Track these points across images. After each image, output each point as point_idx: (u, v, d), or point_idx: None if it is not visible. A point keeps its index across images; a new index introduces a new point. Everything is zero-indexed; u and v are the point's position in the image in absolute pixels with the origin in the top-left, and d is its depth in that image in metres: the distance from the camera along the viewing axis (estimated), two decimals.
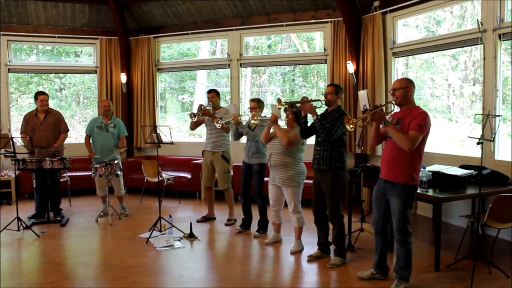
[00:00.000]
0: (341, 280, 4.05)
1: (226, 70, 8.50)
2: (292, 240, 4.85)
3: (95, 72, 8.69)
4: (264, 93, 11.53)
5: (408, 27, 7.35)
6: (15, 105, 10.43)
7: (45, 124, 6.15)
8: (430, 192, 4.26)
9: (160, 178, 6.90)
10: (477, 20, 5.31)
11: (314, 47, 10.61)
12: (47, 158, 5.70)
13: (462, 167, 4.87)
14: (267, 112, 6.23)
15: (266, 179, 5.23)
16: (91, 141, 6.38)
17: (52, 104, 10.20)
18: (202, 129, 6.82)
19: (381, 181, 3.75)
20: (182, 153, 8.46)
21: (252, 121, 4.96)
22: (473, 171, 4.66)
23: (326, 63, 7.45)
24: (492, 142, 4.97)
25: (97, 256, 4.77)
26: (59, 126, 6.27)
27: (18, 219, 5.45)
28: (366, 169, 4.92)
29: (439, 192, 4.27)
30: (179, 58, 10.94)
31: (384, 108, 3.92)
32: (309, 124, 4.37)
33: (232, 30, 7.99)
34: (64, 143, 6.44)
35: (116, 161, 5.96)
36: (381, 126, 3.65)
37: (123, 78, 8.54)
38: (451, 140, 7.74)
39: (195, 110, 5.78)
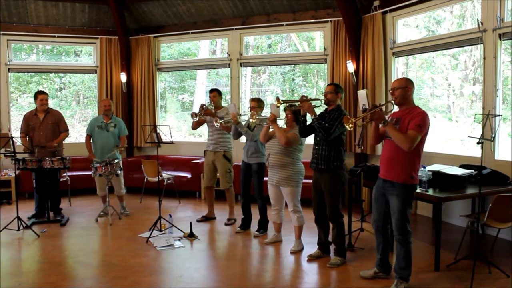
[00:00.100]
0: (341, 280, 4.05)
1: (226, 70, 8.50)
2: (292, 239, 4.86)
3: (95, 71, 8.69)
4: (264, 93, 11.53)
5: (408, 27, 7.34)
6: (15, 104, 10.43)
7: (45, 123, 6.14)
8: (430, 192, 4.26)
9: (160, 177, 6.90)
10: (477, 19, 5.31)
11: (314, 46, 10.61)
12: (47, 158, 5.70)
13: (462, 166, 4.87)
14: (267, 112, 6.23)
15: (265, 178, 5.23)
16: (91, 141, 6.37)
17: (52, 103, 10.19)
18: (202, 128, 6.83)
19: (380, 181, 3.75)
20: (182, 153, 8.46)
21: (251, 120, 4.96)
22: (473, 170, 4.66)
23: (326, 62, 7.45)
24: (492, 142, 4.97)
25: (97, 255, 4.77)
26: (59, 126, 6.27)
27: (18, 218, 5.45)
28: (366, 169, 4.92)
29: (439, 191, 4.27)
30: (179, 57, 10.93)
31: (384, 107, 3.93)
32: (308, 123, 4.37)
33: (232, 29, 7.98)
34: (64, 142, 6.43)
35: (116, 161, 5.96)
36: (380, 125, 3.65)
37: (123, 77, 8.54)
38: (451, 139, 7.74)
39: (195, 110, 5.78)
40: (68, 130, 6.40)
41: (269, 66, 10.66)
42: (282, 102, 4.48)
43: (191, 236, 5.24)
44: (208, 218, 6.11)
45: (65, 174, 7.20)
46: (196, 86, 11.74)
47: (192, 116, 5.73)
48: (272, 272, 4.26)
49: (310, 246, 4.77)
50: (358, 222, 5.19)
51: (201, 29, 8.22)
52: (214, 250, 5.03)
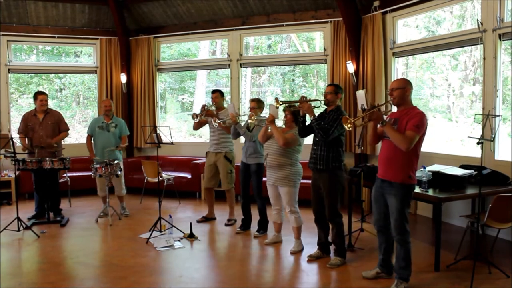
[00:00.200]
0: (341, 280, 4.05)
1: (226, 70, 8.50)
2: (292, 240, 4.85)
3: (95, 72, 8.69)
4: (264, 93, 11.53)
5: (408, 27, 7.35)
6: (15, 105, 10.43)
7: (44, 124, 6.14)
8: (430, 192, 4.26)
9: (160, 178, 6.90)
10: (477, 20, 5.31)
11: (314, 47, 10.62)
12: (47, 158, 5.70)
13: (462, 167, 4.87)
14: (267, 112, 6.24)
15: (264, 179, 5.23)
16: (92, 141, 6.37)
17: (52, 104, 10.22)
18: (203, 129, 6.83)
19: (378, 181, 3.77)
20: (182, 153, 8.46)
21: (249, 121, 4.97)
22: (473, 171, 4.66)
23: (326, 63, 7.45)
24: (492, 142, 4.97)
25: (97, 256, 4.77)
26: (59, 126, 6.26)
27: (18, 219, 5.45)
28: (366, 169, 4.92)
29: (439, 192, 4.27)
30: (179, 58, 10.94)
31: (384, 107, 3.93)
32: (307, 123, 4.37)
33: (232, 30, 7.99)
34: (64, 143, 6.43)
35: (116, 161, 5.96)
36: (378, 125, 3.66)
37: (123, 78, 8.54)
38: (451, 140, 7.74)
39: (195, 111, 5.78)
40: (68, 129, 6.40)
41: (269, 67, 10.67)
42: (281, 103, 4.48)
43: (191, 236, 5.24)
44: (208, 219, 6.11)
45: (65, 174, 7.20)
46: (196, 86, 11.75)
47: (193, 117, 5.73)
48: (272, 273, 4.26)
49: (310, 246, 4.77)
50: (358, 223, 5.19)
51: (201, 29, 8.22)
52: (214, 250, 5.03)
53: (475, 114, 6.05)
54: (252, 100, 5.33)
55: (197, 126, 5.98)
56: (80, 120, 11.55)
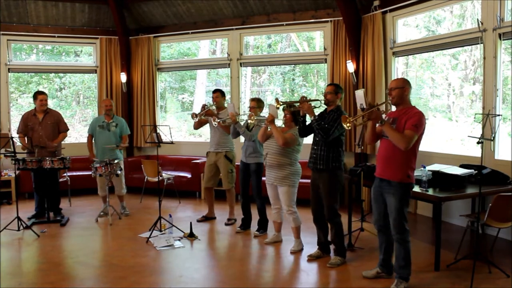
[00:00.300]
0: (341, 280, 4.05)
1: (226, 70, 8.50)
2: (292, 239, 4.85)
3: (95, 71, 8.69)
4: (264, 93, 11.53)
5: (408, 27, 7.34)
6: (15, 104, 10.43)
7: (44, 124, 6.13)
8: (430, 192, 4.26)
9: (160, 177, 6.90)
10: (477, 19, 5.31)
11: (314, 46, 10.61)
12: (47, 158, 5.69)
13: (462, 166, 4.87)
14: (266, 112, 6.23)
15: (264, 178, 5.23)
16: (93, 141, 6.37)
17: (52, 103, 10.23)
18: (203, 129, 6.83)
19: (377, 180, 3.78)
20: (182, 153, 8.46)
21: (249, 121, 4.97)
22: (473, 170, 4.66)
23: (326, 62, 7.45)
24: (492, 142, 4.97)
25: (97, 256, 4.77)
26: (58, 126, 6.26)
27: (18, 219, 5.45)
28: (366, 169, 4.91)
29: (439, 191, 4.27)
30: (179, 57, 10.93)
31: (384, 106, 3.93)
32: (307, 123, 4.37)
33: (232, 29, 7.99)
34: (63, 142, 6.43)
35: (116, 161, 5.96)
36: (377, 125, 3.66)
37: (123, 77, 8.54)
38: (451, 139, 7.73)
39: (195, 110, 5.77)
40: (68, 130, 6.40)
41: (269, 66, 10.66)
42: (281, 103, 4.48)
43: (191, 236, 5.24)
44: (208, 218, 6.11)
45: (65, 174, 7.20)
46: (196, 86, 11.74)
47: (192, 117, 5.73)
48: (272, 272, 4.26)
49: (310, 246, 4.77)
50: (358, 222, 5.20)
51: (201, 29, 8.22)
52: (214, 250, 5.03)
53: (475, 114, 6.05)
54: (252, 100, 5.33)
55: (197, 126, 5.98)
56: (80, 120, 11.55)
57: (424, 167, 4.40)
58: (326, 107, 4.42)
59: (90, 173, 6.09)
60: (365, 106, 4.28)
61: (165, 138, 5.55)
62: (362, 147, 5.86)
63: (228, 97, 8.01)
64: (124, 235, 5.43)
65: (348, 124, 3.54)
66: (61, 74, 10.91)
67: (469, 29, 5.64)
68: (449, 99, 8.51)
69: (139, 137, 8.57)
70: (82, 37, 8.53)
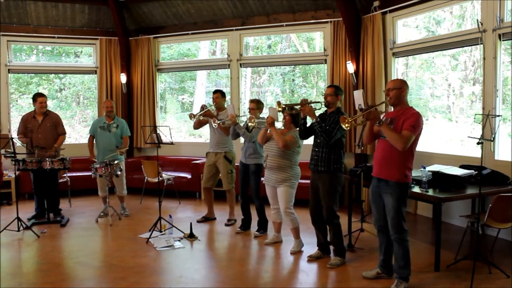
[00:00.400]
0: (341, 280, 4.05)
1: (226, 70, 8.50)
2: (292, 240, 4.85)
3: (95, 72, 8.69)
4: (264, 93, 11.54)
5: (408, 27, 7.35)
6: (15, 105, 10.43)
7: (43, 126, 6.13)
8: (430, 192, 4.26)
9: (160, 178, 6.90)
10: (477, 20, 5.31)
11: (314, 47, 10.62)
12: (47, 158, 5.69)
13: (462, 167, 4.87)
14: (266, 113, 6.23)
15: (263, 179, 5.24)
16: (94, 142, 6.38)
17: (52, 104, 10.24)
18: (203, 129, 6.83)
19: (375, 180, 3.79)
20: (182, 153, 8.46)
21: (250, 124, 4.96)
22: (473, 171, 4.66)
23: (326, 63, 7.45)
24: (492, 142, 4.97)
25: (97, 256, 4.77)
26: (57, 129, 6.26)
27: (18, 219, 5.44)
28: (366, 169, 4.91)
29: (439, 192, 4.27)
30: (179, 58, 10.94)
31: (384, 106, 3.94)
32: (307, 125, 4.37)
33: (232, 30, 7.99)
34: (63, 143, 6.42)
35: (116, 162, 5.96)
36: (375, 125, 3.68)
37: (123, 78, 8.54)
38: (451, 140, 7.74)
39: (195, 111, 5.77)
40: (65, 133, 6.39)
41: (269, 67, 10.67)
42: (283, 106, 4.47)
43: (191, 236, 5.24)
44: (208, 219, 6.11)
45: (65, 175, 7.20)
46: (196, 86, 11.75)
47: (190, 117, 5.74)
48: (272, 273, 4.26)
49: (310, 246, 4.77)
50: (358, 223, 5.20)
51: (201, 29, 8.22)
52: (214, 250, 5.03)
53: (475, 114, 6.05)
54: (252, 101, 5.33)
55: (197, 125, 5.99)
56: (80, 120, 11.55)
57: (424, 168, 4.40)
58: (326, 109, 4.42)
59: (90, 173, 6.09)
60: (363, 107, 4.30)
61: (165, 138, 5.55)
62: (362, 148, 5.86)
63: (228, 98, 8.00)
64: (124, 236, 5.43)
65: (346, 125, 3.57)
66: (61, 75, 10.91)
67: (469, 30, 5.64)
68: (449, 99, 8.51)
69: (139, 137, 8.58)
70: (82, 38, 8.54)
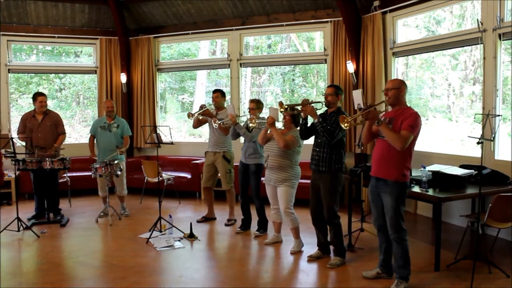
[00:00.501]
0: (341, 280, 4.05)
1: (226, 70, 8.50)
2: (292, 240, 4.85)
3: (95, 72, 8.69)
4: (264, 93, 11.53)
5: (408, 27, 7.34)
6: (15, 105, 10.43)
7: (43, 125, 6.13)
8: (430, 192, 4.26)
9: (160, 178, 6.90)
10: (477, 19, 5.31)
11: (314, 47, 10.61)
12: (47, 158, 5.69)
13: (462, 166, 4.87)
14: (266, 113, 6.23)
15: (263, 179, 5.23)
16: (95, 141, 6.38)
17: (52, 104, 10.23)
18: (202, 129, 6.83)
19: (373, 180, 3.80)
20: (182, 153, 8.46)
21: (250, 125, 4.96)
22: (473, 170, 4.66)
23: (326, 63, 7.45)
24: (492, 142, 4.97)
25: (97, 256, 4.77)
26: (57, 128, 6.26)
27: (18, 219, 5.44)
28: (366, 169, 4.90)
29: (439, 192, 4.27)
30: (179, 58, 10.94)
31: (384, 106, 3.94)
32: (308, 125, 4.37)
33: (232, 30, 7.99)
34: (63, 143, 6.42)
35: (116, 162, 5.96)
36: (374, 125, 3.68)
37: (123, 78, 8.54)
38: (451, 140, 7.74)
39: (194, 110, 5.77)
40: (65, 133, 6.39)
41: (269, 67, 10.67)
42: (286, 107, 4.47)
43: (191, 236, 5.24)
44: (208, 219, 6.11)
45: (65, 174, 7.20)
46: (196, 86, 11.75)
47: (188, 116, 5.76)
48: (272, 273, 4.26)
49: (310, 246, 4.76)
50: (358, 222, 5.20)
51: (201, 29, 8.22)
52: (214, 250, 5.03)
53: (475, 114, 6.04)
54: (252, 101, 5.33)
55: (196, 124, 5.98)
56: (80, 120, 11.55)
57: (424, 168, 4.40)
58: (326, 108, 4.42)
59: (90, 173, 6.09)
60: (362, 106, 4.30)
61: (165, 138, 5.55)
62: (362, 148, 5.86)
63: (228, 97, 8.01)
64: (124, 236, 5.43)
65: (346, 124, 3.58)
66: (61, 75, 10.91)
67: (469, 29, 5.64)
68: (449, 99, 8.51)
69: (139, 137, 8.58)
70: (82, 38, 8.54)
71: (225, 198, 5.96)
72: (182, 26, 8.39)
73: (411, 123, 3.50)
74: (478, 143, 3.70)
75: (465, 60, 8.24)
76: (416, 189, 4.35)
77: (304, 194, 5.31)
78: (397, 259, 3.71)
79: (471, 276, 3.67)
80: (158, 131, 5.53)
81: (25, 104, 10.60)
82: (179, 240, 5.14)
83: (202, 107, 5.69)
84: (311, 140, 4.54)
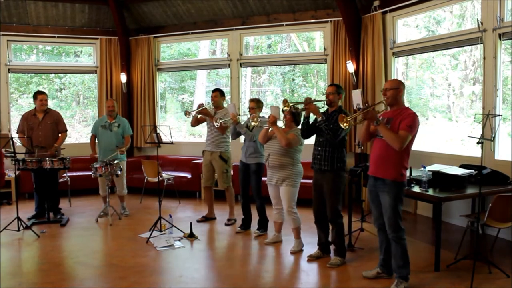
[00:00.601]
0: (341, 280, 4.05)
1: (226, 70, 8.50)
2: (292, 239, 4.85)
3: (95, 72, 8.69)
4: (264, 93, 11.53)
5: (408, 27, 7.34)
6: (15, 105, 10.43)
7: (44, 124, 6.14)
8: (430, 192, 4.26)
9: (160, 178, 6.90)
10: (477, 19, 5.31)
11: (314, 46, 10.61)
12: (47, 158, 5.70)
13: (462, 166, 4.87)
14: (266, 112, 6.23)
15: (264, 178, 5.24)
16: (96, 141, 6.39)
17: (52, 104, 10.22)
18: (202, 129, 6.83)
19: (371, 180, 3.81)
20: (182, 153, 8.46)
21: (253, 123, 4.96)
22: (473, 170, 4.66)
23: (326, 62, 7.45)
24: (492, 142, 4.97)
25: (97, 256, 4.77)
26: (58, 126, 6.27)
27: (18, 219, 5.44)
28: (366, 169, 4.89)
29: (439, 191, 4.27)
30: (179, 58, 10.93)
31: (384, 106, 3.94)
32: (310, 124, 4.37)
33: (232, 30, 7.99)
34: (63, 142, 6.43)
35: (116, 161, 5.96)
36: (373, 125, 3.69)
37: (123, 78, 8.54)
38: (451, 139, 7.73)
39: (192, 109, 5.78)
40: (67, 130, 6.40)
41: (269, 66, 10.66)
42: (290, 104, 4.46)
43: (191, 236, 5.24)
44: (208, 218, 6.10)
45: (65, 174, 7.20)
46: (196, 86, 11.75)
47: (185, 114, 5.78)
48: (272, 272, 4.26)
49: (310, 246, 4.76)
50: (358, 222, 5.20)
51: (201, 29, 8.22)
52: (214, 250, 5.03)
53: (475, 114, 6.05)
54: (252, 100, 5.33)
55: (194, 123, 5.99)
56: (80, 120, 11.55)
57: (424, 168, 4.40)
58: (327, 107, 4.42)
59: (90, 173, 6.09)
60: (361, 106, 4.31)
61: (165, 138, 5.55)
62: (362, 147, 5.86)
63: (228, 97, 8.01)
64: (124, 235, 5.43)
65: (345, 124, 3.58)
66: (61, 75, 10.91)
67: (469, 29, 5.64)
68: (449, 99, 8.51)
69: (139, 137, 8.58)
70: (82, 38, 8.54)
71: (225, 197, 5.96)
72: (182, 26, 8.39)
73: (409, 123, 3.52)
74: (478, 143, 3.71)
75: (465, 60, 8.24)
76: (416, 189, 4.36)
77: (305, 194, 5.31)
78: (396, 259, 3.72)
79: (471, 276, 3.67)
80: (158, 131, 5.53)
81: (25, 104, 10.60)
82: (179, 240, 5.14)
83: (200, 106, 5.70)
84: (311, 140, 4.53)
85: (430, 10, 6.42)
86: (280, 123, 4.71)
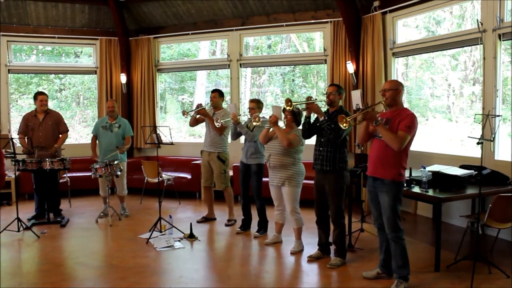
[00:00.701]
0: (341, 280, 4.05)
1: (226, 71, 8.50)
2: (292, 240, 4.85)
3: (95, 72, 8.69)
4: (264, 94, 11.53)
5: (408, 27, 7.35)
6: (15, 105, 10.43)
7: (44, 124, 6.14)
8: (430, 192, 4.26)
9: (160, 178, 6.90)
10: (477, 20, 5.31)
11: (314, 47, 10.61)
12: (47, 159, 5.70)
13: (462, 167, 4.87)
14: (266, 113, 6.23)
15: (264, 179, 5.24)
16: (97, 142, 6.39)
17: (52, 104, 10.21)
18: (202, 129, 6.83)
19: (370, 180, 3.82)
20: (182, 154, 8.46)
21: (254, 123, 4.95)
22: (473, 171, 4.66)
23: (326, 63, 7.45)
24: (492, 142, 4.97)
25: (97, 256, 4.77)
26: (58, 127, 6.27)
27: (18, 219, 5.44)
28: (366, 169, 4.90)
29: (439, 192, 4.27)
30: (179, 58, 10.94)
31: (383, 107, 3.94)
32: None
33: (232, 30, 7.99)
34: (63, 143, 6.43)
35: (116, 162, 5.96)
36: (373, 125, 3.69)
37: (123, 78, 8.55)
38: (451, 140, 7.73)
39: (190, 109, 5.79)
40: (68, 131, 6.41)
41: (269, 67, 10.67)
42: (293, 104, 4.44)
43: (191, 237, 5.24)
44: (208, 219, 6.10)
45: (65, 175, 7.20)
46: (196, 87, 11.75)
47: (183, 114, 5.79)
48: (272, 273, 4.26)
49: (311, 246, 4.76)
50: (358, 223, 5.20)
51: (201, 29, 8.22)
52: (214, 251, 5.03)
53: (475, 114, 6.05)
54: (252, 101, 5.33)
55: (193, 123, 5.99)
56: (80, 121, 11.54)
57: (424, 168, 4.40)
58: (328, 108, 4.42)
59: (90, 174, 6.09)
60: (361, 107, 4.31)
61: (165, 139, 5.55)
62: (362, 148, 5.86)
63: (228, 98, 8.01)
64: (124, 236, 5.43)
65: (344, 124, 3.59)
66: (61, 75, 10.91)
67: (469, 30, 5.64)
68: (449, 99, 8.51)
69: (139, 138, 8.58)
70: (82, 38, 8.54)
71: (224, 198, 5.96)
72: (182, 26, 8.40)
73: (408, 124, 3.54)
74: (478, 143, 3.71)
75: (465, 60, 8.24)
76: (416, 189, 4.36)
77: (306, 194, 5.31)
78: (396, 259, 3.72)
79: (471, 277, 3.67)
80: (158, 132, 5.53)
81: (25, 105, 10.60)
82: (179, 241, 5.14)
83: (198, 106, 5.71)
84: (312, 140, 4.53)
85: (430, 11, 6.43)
86: (281, 124, 4.71)
